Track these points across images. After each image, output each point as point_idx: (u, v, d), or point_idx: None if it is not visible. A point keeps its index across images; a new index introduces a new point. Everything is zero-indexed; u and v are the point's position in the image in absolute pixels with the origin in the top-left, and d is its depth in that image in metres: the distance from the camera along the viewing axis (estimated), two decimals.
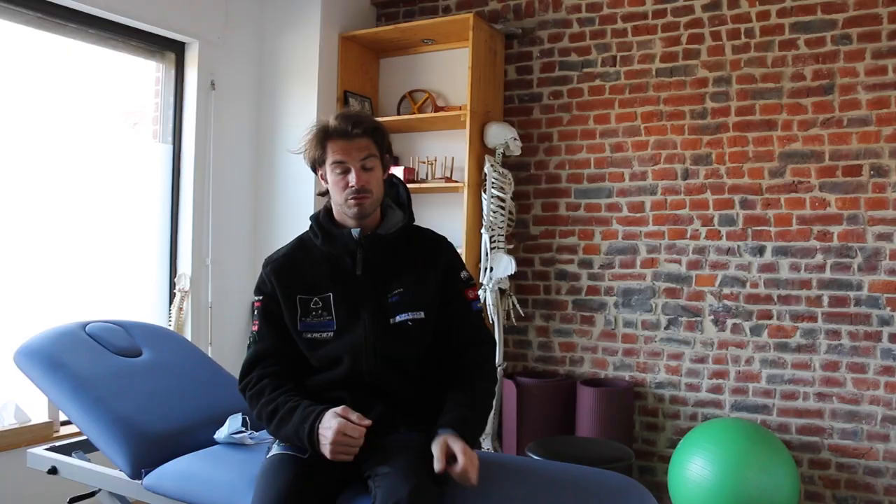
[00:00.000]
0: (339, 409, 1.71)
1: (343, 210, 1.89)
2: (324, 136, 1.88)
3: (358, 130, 1.86)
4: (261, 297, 1.94)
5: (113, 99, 3.62)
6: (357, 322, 1.86)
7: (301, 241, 1.99)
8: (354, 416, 1.70)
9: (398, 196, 2.03)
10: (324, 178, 1.93)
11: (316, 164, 1.92)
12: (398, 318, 1.86)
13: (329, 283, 1.89)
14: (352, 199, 1.85)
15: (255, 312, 1.95)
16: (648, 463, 3.66)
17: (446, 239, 2.03)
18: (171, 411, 2.26)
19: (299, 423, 1.73)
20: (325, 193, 1.96)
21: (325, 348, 1.87)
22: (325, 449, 1.68)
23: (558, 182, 3.88)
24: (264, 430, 2.29)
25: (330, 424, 1.67)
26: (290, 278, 1.91)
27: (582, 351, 3.82)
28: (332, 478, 1.74)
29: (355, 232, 1.89)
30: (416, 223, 2.02)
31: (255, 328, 1.94)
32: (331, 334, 1.86)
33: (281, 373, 1.88)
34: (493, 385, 1.94)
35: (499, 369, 3.69)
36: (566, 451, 2.81)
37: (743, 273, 3.45)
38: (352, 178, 1.84)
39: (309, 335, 1.88)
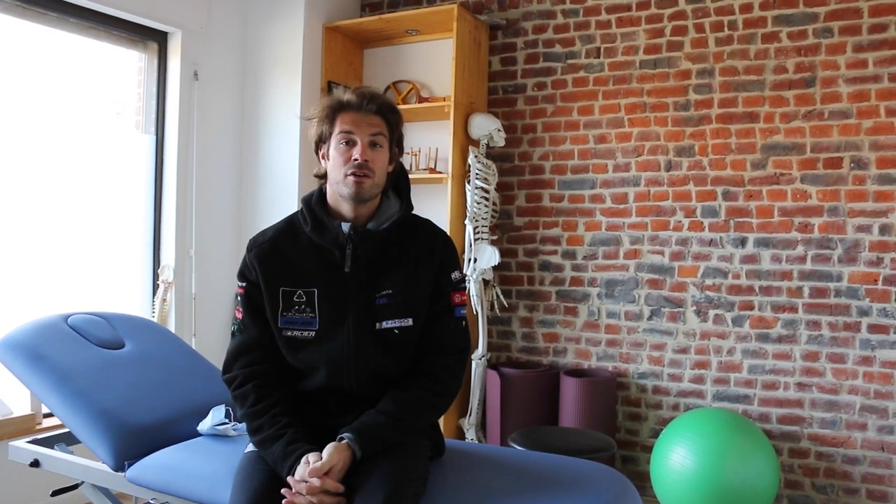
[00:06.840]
0: (311, 461, 1.61)
1: (339, 189, 1.78)
2: (336, 109, 1.79)
3: (372, 106, 1.78)
4: (244, 284, 1.84)
5: (95, 89, 3.58)
6: (340, 327, 1.77)
7: (290, 224, 1.88)
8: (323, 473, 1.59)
9: (397, 185, 1.93)
10: (325, 156, 1.83)
11: (320, 140, 1.83)
12: (384, 325, 1.78)
13: (315, 276, 1.79)
14: (351, 174, 1.74)
15: (239, 299, 1.87)
16: (631, 453, 3.69)
17: (445, 234, 1.92)
18: (154, 403, 2.26)
19: (280, 459, 1.67)
20: (323, 176, 1.86)
21: (305, 353, 1.79)
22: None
23: (542, 173, 3.89)
24: None
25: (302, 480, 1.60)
26: (274, 267, 1.81)
27: (565, 341, 3.84)
28: None
29: (345, 226, 1.79)
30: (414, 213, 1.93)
31: (240, 316, 1.86)
32: (312, 334, 1.78)
33: (266, 372, 1.81)
34: (441, 398, 1.82)
35: (482, 360, 3.71)
36: (549, 441, 2.83)
37: (725, 264, 3.48)
38: (356, 151, 1.75)
39: (289, 333, 1.80)
